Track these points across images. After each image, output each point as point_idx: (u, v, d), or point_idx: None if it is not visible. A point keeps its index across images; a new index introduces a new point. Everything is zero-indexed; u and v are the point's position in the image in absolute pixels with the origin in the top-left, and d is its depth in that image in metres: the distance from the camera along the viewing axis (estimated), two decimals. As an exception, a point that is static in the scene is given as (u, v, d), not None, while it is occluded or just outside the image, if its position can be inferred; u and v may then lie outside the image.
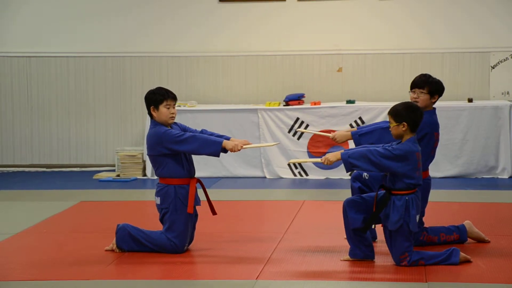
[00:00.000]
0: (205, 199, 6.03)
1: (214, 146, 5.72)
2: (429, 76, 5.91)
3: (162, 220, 5.88)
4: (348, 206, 5.50)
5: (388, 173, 5.42)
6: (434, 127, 5.84)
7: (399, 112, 5.38)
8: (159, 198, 5.86)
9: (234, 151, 5.71)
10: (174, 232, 5.81)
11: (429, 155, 5.85)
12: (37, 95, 10.26)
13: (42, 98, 10.26)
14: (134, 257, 5.78)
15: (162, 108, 5.81)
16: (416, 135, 5.45)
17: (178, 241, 5.81)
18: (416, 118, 5.41)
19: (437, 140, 5.89)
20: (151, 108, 5.84)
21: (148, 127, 5.97)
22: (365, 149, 5.40)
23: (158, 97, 5.82)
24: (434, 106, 5.93)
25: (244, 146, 5.75)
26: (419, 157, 5.41)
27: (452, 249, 5.48)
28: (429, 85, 5.83)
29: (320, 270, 5.42)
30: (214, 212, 6.03)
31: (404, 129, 5.38)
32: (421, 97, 5.81)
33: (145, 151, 9.62)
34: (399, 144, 5.40)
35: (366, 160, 5.32)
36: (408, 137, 5.40)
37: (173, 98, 5.86)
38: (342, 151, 5.43)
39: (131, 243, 5.85)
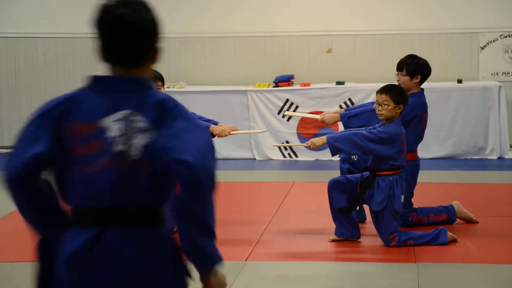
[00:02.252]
0: None
1: None
2: (411, 56, 5.90)
3: None
4: (333, 187, 5.51)
5: (372, 155, 5.43)
6: (423, 108, 5.85)
7: (399, 94, 5.40)
8: None
9: (221, 137, 5.70)
10: None
11: (418, 137, 5.86)
12: (25, 76, 10.20)
13: (29, 79, 10.20)
14: (123, 239, 5.77)
15: None
16: (400, 117, 5.46)
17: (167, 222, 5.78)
18: (407, 101, 5.47)
19: (425, 122, 5.89)
20: None
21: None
22: (350, 132, 5.41)
23: None
24: (422, 87, 5.92)
25: (232, 132, 5.74)
26: (403, 139, 5.43)
27: (440, 229, 5.50)
28: (407, 66, 5.82)
29: (310, 251, 5.43)
30: None
31: (399, 111, 5.40)
32: (402, 79, 5.82)
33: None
34: (383, 126, 5.40)
35: (352, 143, 5.33)
36: (394, 119, 5.42)
37: (154, 79, 5.80)
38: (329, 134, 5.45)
39: None
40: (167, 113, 2.39)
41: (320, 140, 5.44)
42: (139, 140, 2.37)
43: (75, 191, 2.37)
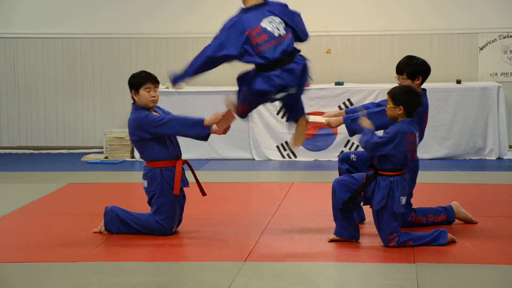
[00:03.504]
0: (193, 180, 6.02)
1: (197, 125, 5.73)
2: (409, 58, 5.88)
3: (150, 202, 5.88)
4: (338, 186, 5.51)
5: (377, 154, 5.44)
6: (424, 109, 5.84)
7: (398, 95, 5.42)
8: (146, 181, 5.85)
9: (217, 127, 5.75)
10: (162, 215, 5.80)
11: (418, 137, 5.86)
12: (24, 76, 10.20)
13: (29, 79, 10.20)
14: (122, 239, 5.77)
15: (142, 91, 5.80)
16: (413, 118, 5.46)
17: (166, 223, 5.81)
18: (414, 104, 5.44)
19: (425, 122, 5.90)
20: (132, 92, 5.85)
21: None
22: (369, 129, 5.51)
23: (138, 80, 5.82)
24: (423, 87, 5.92)
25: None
26: (410, 138, 5.41)
27: (441, 230, 5.50)
28: (407, 69, 5.82)
29: (309, 252, 5.43)
30: (203, 193, 6.03)
31: (399, 112, 5.41)
32: (404, 83, 5.82)
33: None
34: (391, 126, 5.43)
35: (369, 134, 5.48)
36: (401, 120, 5.42)
37: (153, 81, 5.83)
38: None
39: (120, 225, 5.85)
40: (287, 11, 5.48)
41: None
42: (281, 27, 5.40)
43: (267, 53, 5.32)
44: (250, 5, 5.42)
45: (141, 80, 5.82)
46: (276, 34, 5.34)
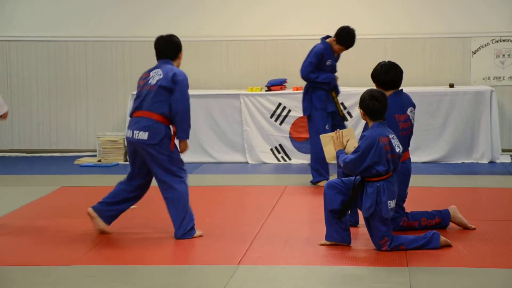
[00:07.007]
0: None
1: (186, 130, 5.89)
2: (376, 68, 5.98)
3: (167, 169, 5.84)
4: (328, 188, 5.54)
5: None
6: (392, 109, 5.77)
7: (360, 98, 5.55)
8: (146, 133, 5.75)
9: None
10: (183, 169, 5.97)
11: (400, 137, 5.75)
12: (17, 79, 10.18)
13: (22, 82, 10.18)
14: (115, 243, 5.77)
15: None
16: (383, 120, 5.48)
17: (185, 174, 6.02)
18: (371, 106, 5.46)
19: (402, 122, 5.82)
20: (181, 53, 6.18)
21: (130, 104, 5.98)
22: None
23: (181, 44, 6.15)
24: (401, 88, 5.95)
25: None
26: (384, 140, 5.40)
27: (433, 233, 5.50)
28: (374, 81, 6.00)
29: (302, 255, 5.43)
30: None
31: (364, 116, 5.49)
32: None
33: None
34: (362, 139, 5.44)
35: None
36: (372, 123, 5.45)
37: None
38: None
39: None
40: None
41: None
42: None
43: None
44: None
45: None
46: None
